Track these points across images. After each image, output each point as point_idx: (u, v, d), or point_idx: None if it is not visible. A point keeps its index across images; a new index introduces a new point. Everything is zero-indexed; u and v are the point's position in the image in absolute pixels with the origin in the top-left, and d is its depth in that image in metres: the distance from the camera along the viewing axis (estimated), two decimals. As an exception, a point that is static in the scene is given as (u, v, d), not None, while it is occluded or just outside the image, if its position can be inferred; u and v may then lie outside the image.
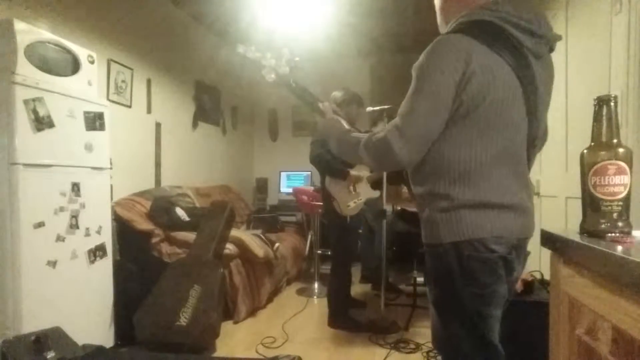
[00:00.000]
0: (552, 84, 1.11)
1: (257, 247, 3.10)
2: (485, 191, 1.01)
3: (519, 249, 1.07)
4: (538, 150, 1.18)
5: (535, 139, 1.08)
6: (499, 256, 1.01)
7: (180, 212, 3.09)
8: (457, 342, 1.08)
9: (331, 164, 2.62)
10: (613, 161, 0.77)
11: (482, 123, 0.99)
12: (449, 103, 0.98)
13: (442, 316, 1.12)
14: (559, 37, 1.08)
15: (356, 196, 2.74)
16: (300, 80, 1.34)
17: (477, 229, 1.00)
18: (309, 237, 4.13)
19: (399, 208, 3.56)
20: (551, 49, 1.06)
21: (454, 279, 1.04)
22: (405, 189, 3.09)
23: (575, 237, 0.79)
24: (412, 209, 3.21)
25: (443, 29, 1.15)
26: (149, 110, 3.47)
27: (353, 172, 2.68)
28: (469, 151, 1.00)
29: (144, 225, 2.82)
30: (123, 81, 3.14)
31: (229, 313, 2.82)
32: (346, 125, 1.33)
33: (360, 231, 3.59)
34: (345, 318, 2.76)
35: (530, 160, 1.11)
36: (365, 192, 2.86)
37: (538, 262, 2.27)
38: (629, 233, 0.77)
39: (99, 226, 2.23)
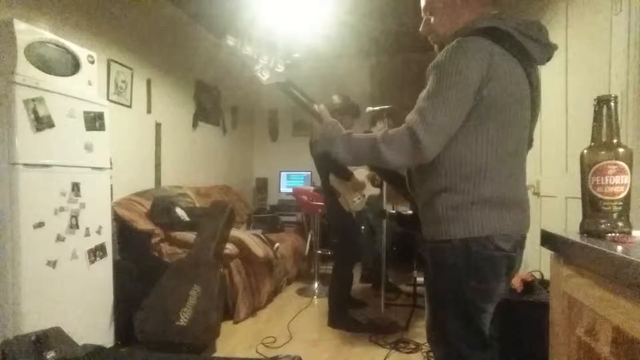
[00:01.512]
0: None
1: (257, 247, 3.10)
2: (499, 187, 1.04)
3: (521, 246, 1.12)
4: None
5: (532, 140, 1.16)
6: (504, 254, 1.04)
7: (180, 212, 3.09)
8: (454, 335, 1.12)
9: (336, 164, 2.66)
10: (613, 161, 0.77)
11: (499, 121, 1.02)
12: (472, 97, 1.00)
13: (441, 310, 1.15)
14: (557, 47, 1.13)
15: (360, 192, 2.80)
16: (296, 79, 1.20)
17: (486, 226, 1.02)
18: (309, 237, 4.13)
19: (393, 211, 3.56)
20: (549, 58, 1.11)
21: (460, 274, 1.06)
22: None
23: (575, 237, 0.79)
24: (409, 211, 3.21)
25: (444, 30, 1.15)
26: (149, 110, 3.47)
27: (355, 177, 2.74)
28: (486, 147, 1.02)
29: (144, 225, 2.82)
30: (123, 81, 3.14)
31: (229, 313, 2.81)
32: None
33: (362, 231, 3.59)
34: (346, 318, 2.76)
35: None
36: (367, 189, 2.90)
37: (538, 262, 2.27)
38: (629, 233, 0.77)
39: (99, 226, 2.23)
